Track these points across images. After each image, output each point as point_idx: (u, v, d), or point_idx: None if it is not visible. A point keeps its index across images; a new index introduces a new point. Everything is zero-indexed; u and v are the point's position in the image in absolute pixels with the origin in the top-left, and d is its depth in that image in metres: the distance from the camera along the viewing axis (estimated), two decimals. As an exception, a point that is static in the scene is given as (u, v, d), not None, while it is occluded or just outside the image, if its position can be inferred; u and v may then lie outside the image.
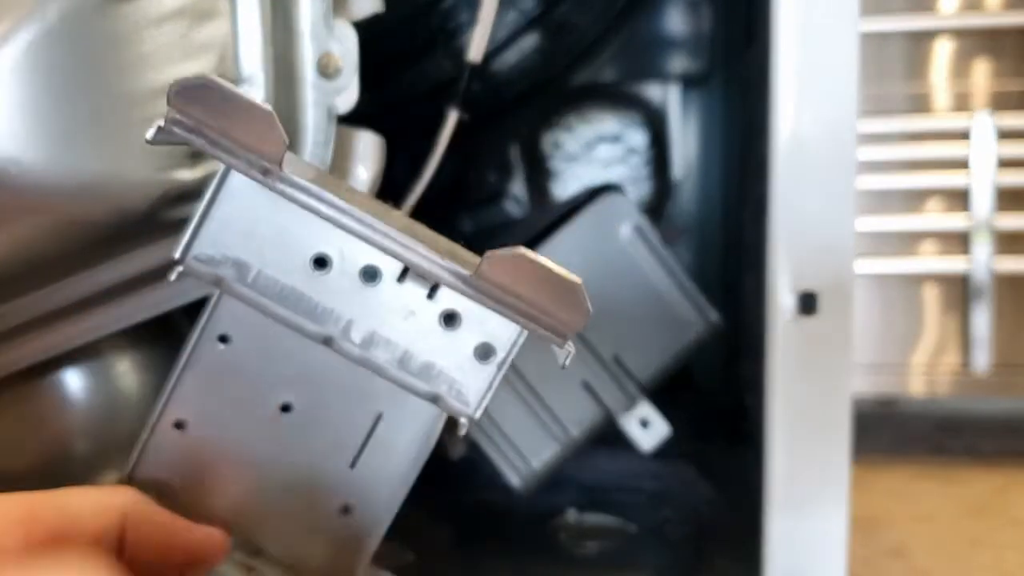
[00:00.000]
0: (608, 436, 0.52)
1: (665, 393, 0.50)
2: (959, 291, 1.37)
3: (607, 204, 0.48)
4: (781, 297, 0.45)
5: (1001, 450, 1.41)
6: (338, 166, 0.45)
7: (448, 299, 0.27)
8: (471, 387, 0.28)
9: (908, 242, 1.38)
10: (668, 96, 0.80)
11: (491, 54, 0.61)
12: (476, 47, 0.45)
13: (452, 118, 0.45)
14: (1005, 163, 1.33)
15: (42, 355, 0.49)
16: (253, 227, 0.27)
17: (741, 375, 0.71)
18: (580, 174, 0.86)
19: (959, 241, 1.36)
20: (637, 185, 0.86)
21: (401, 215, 0.30)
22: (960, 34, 1.32)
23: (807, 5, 0.43)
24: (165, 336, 0.56)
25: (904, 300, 1.39)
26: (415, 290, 0.27)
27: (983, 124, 1.32)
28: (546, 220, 0.50)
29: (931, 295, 1.39)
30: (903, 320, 1.39)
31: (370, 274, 0.27)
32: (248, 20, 0.42)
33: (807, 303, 0.45)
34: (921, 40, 1.33)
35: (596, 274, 0.48)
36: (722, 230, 0.87)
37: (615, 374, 0.48)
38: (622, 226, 0.48)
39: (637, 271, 0.48)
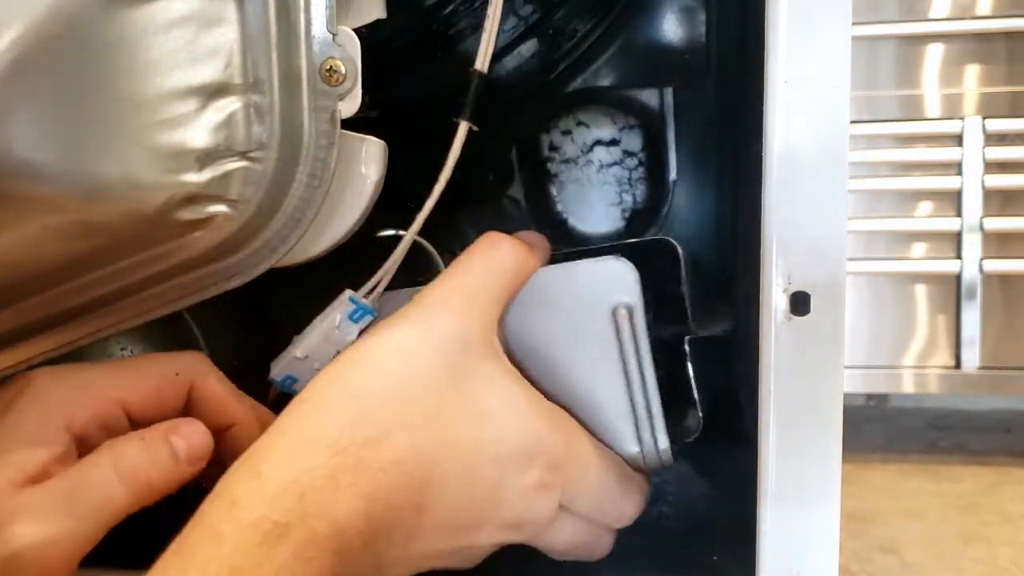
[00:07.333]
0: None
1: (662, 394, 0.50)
2: (950, 291, 1.38)
3: (612, 269, 0.45)
4: (774, 297, 0.45)
5: (991, 447, 1.42)
6: (342, 171, 0.45)
7: None
8: None
9: (900, 243, 1.39)
10: (664, 100, 0.80)
11: (491, 60, 0.62)
12: (482, 56, 0.45)
13: (463, 130, 0.45)
14: (995, 166, 1.34)
15: (52, 354, 0.50)
16: None
17: (735, 374, 0.72)
18: (577, 176, 0.87)
19: (950, 243, 1.37)
20: (634, 187, 0.87)
21: None
22: (951, 39, 1.33)
23: (799, 11, 0.44)
24: (174, 336, 0.57)
25: (896, 300, 1.40)
26: None
27: (974, 128, 1.33)
28: (573, 252, 0.48)
29: (922, 295, 1.40)
30: (895, 320, 1.40)
31: None
32: (255, 26, 0.42)
33: (800, 303, 0.45)
34: (912, 44, 1.34)
35: (565, 326, 0.46)
36: (716, 231, 0.87)
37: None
38: (615, 296, 0.45)
39: (608, 348, 0.45)
